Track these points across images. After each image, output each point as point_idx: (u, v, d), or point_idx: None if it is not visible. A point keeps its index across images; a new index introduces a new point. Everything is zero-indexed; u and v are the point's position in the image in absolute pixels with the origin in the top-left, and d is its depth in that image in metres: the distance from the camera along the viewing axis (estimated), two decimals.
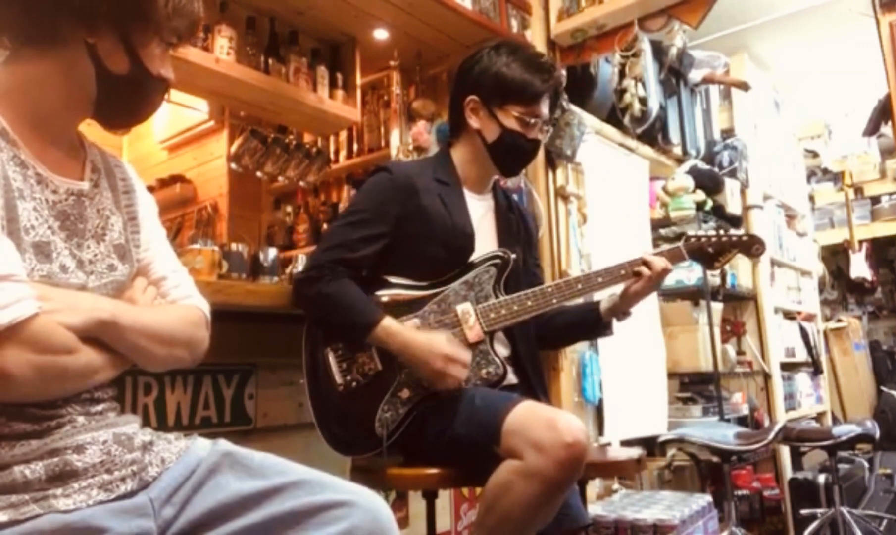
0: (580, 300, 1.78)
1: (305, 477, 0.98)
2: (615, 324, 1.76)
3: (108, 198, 1.05)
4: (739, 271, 3.92)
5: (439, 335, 1.53)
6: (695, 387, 3.50)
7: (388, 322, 1.52)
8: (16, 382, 0.83)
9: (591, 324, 1.76)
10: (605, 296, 1.74)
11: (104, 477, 0.92)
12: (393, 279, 1.61)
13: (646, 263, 1.64)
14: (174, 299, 1.11)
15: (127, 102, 1.05)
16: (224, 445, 1.03)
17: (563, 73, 2.70)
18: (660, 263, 1.64)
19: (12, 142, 0.92)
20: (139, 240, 1.09)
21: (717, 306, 3.59)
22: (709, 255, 1.71)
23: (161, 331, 1.03)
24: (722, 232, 1.73)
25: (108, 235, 1.02)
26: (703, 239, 1.70)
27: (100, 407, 0.98)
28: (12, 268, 0.84)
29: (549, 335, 1.78)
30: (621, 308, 1.70)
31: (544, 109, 1.69)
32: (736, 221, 3.83)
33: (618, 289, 1.69)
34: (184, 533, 0.94)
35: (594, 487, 2.69)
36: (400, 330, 1.52)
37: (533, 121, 1.66)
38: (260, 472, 0.98)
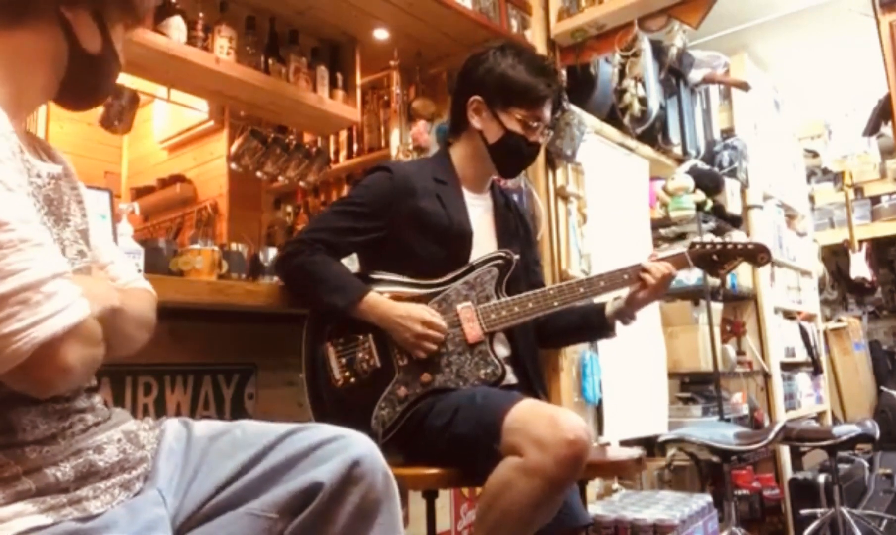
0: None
1: (292, 427, 1.02)
2: (619, 326, 1.75)
3: (63, 182, 1.04)
4: (739, 271, 3.91)
5: (418, 304, 1.56)
6: (695, 387, 3.50)
7: (371, 296, 1.55)
8: (74, 376, 0.85)
9: (596, 326, 1.76)
10: (608, 299, 1.73)
11: (123, 476, 0.94)
12: (393, 277, 1.62)
13: (646, 270, 1.63)
14: (125, 282, 1.11)
15: (92, 82, 1.04)
16: (200, 428, 1.06)
17: (563, 73, 2.71)
18: (659, 270, 1.63)
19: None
20: (87, 222, 1.08)
21: (717, 306, 3.59)
22: (713, 262, 1.69)
23: (140, 316, 1.06)
24: (727, 240, 1.71)
25: (73, 221, 1.01)
26: (709, 246, 1.69)
27: (96, 400, 0.99)
28: (64, 264, 0.85)
29: (553, 334, 1.79)
30: (627, 313, 1.70)
31: (546, 112, 1.70)
32: (736, 221, 3.83)
33: (622, 292, 1.69)
34: (191, 515, 0.97)
35: (594, 487, 2.69)
36: (381, 302, 1.55)
37: (535, 124, 1.67)
38: (246, 442, 1.00)
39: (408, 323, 1.53)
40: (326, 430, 1.01)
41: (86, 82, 1.02)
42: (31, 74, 0.96)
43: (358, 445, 0.98)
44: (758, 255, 1.70)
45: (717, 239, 1.71)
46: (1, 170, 0.81)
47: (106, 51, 1.00)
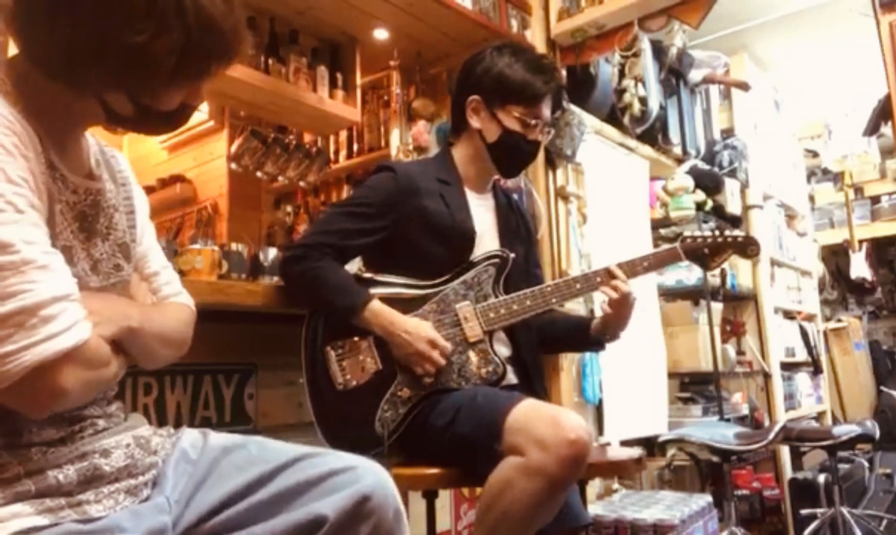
0: (579, 305, 1.76)
1: (306, 451, 0.99)
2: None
3: (110, 191, 1.04)
4: (739, 270, 3.92)
5: (425, 322, 1.56)
6: (695, 387, 3.50)
7: (375, 304, 1.54)
8: (70, 397, 0.84)
9: (582, 341, 1.78)
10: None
11: (129, 482, 0.94)
12: (392, 279, 1.61)
13: (612, 274, 1.62)
14: (166, 295, 1.12)
15: (138, 130, 1.03)
16: (216, 438, 1.05)
17: (563, 73, 2.71)
18: (620, 285, 1.60)
19: (40, 141, 0.89)
20: (135, 234, 1.09)
21: (717, 306, 3.59)
22: (705, 255, 1.71)
23: (166, 333, 1.05)
24: (717, 233, 1.73)
25: (113, 234, 1.01)
26: (700, 239, 1.70)
27: (113, 407, 0.99)
28: (70, 287, 0.84)
29: (547, 344, 1.79)
30: (607, 334, 1.71)
31: (546, 110, 1.69)
32: (736, 221, 3.83)
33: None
34: (192, 526, 0.95)
35: (594, 487, 2.69)
36: (386, 311, 1.54)
37: (534, 122, 1.66)
38: (260, 459, 0.99)
39: (412, 340, 1.52)
40: (339, 458, 0.99)
41: (131, 129, 1.02)
42: (67, 112, 0.94)
43: (369, 477, 0.96)
44: (748, 247, 1.72)
45: (708, 233, 1.73)
46: (13, 191, 0.81)
47: (143, 115, 0.95)
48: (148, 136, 1.07)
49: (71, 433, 0.91)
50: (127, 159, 1.15)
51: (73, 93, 0.92)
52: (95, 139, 1.07)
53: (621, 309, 1.63)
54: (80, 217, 0.95)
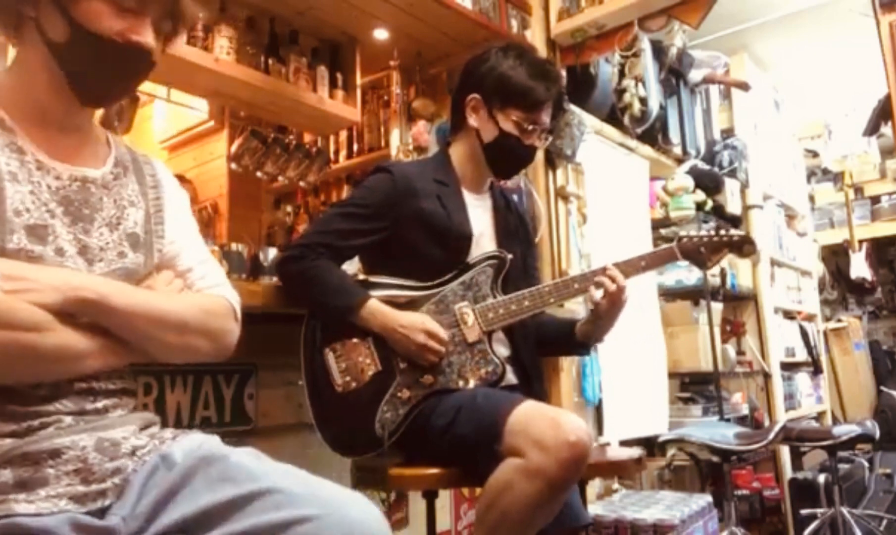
0: (579, 306, 1.75)
1: (276, 486, 0.89)
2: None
3: (132, 191, 1.06)
4: (739, 271, 3.91)
5: (419, 315, 1.56)
6: (695, 387, 3.50)
7: (372, 303, 1.54)
8: None
9: (568, 343, 1.77)
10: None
11: (78, 489, 0.87)
12: (390, 280, 1.61)
13: (607, 270, 1.62)
14: (199, 289, 1.10)
15: (82, 75, 0.97)
16: (208, 447, 0.98)
17: (564, 74, 2.71)
18: (615, 276, 1.61)
19: (8, 130, 0.94)
20: (163, 231, 1.09)
21: (717, 306, 3.59)
22: (701, 254, 1.71)
23: (169, 316, 1.00)
24: (713, 232, 1.73)
25: (123, 225, 1.03)
26: (696, 239, 1.71)
27: (99, 404, 0.95)
28: None
29: (539, 346, 1.78)
30: (593, 336, 1.71)
31: (545, 117, 1.69)
32: (736, 222, 3.83)
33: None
34: None
35: (594, 487, 2.69)
36: (383, 309, 1.55)
37: (531, 127, 1.66)
38: (233, 476, 0.91)
39: (410, 333, 1.52)
40: (310, 499, 0.87)
41: (77, 76, 0.97)
42: (37, 82, 0.98)
43: (334, 527, 0.84)
44: (743, 246, 1.72)
45: (704, 232, 1.73)
46: None
47: (76, 36, 0.93)
48: (106, 97, 1.06)
49: (27, 429, 0.87)
50: (164, 165, 1.18)
51: (32, 48, 0.95)
52: (129, 148, 1.12)
53: (614, 306, 1.62)
54: (65, 201, 0.97)
